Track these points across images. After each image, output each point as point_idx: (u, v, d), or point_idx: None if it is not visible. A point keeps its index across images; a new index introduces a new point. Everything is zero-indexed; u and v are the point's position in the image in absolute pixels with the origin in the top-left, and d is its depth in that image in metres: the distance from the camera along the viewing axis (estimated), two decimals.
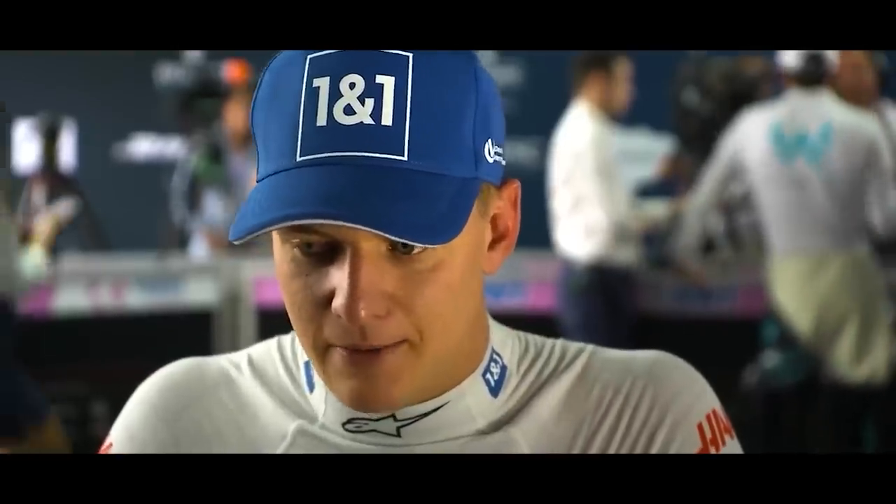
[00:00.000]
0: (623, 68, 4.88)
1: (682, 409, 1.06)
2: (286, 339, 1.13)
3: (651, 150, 5.86)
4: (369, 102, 0.95)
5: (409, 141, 0.95)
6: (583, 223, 4.80)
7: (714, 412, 1.08)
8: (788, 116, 4.23)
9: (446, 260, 0.97)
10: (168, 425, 1.10)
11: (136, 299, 5.07)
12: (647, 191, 5.70)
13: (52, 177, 5.26)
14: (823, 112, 4.19)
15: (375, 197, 0.92)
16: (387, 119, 0.95)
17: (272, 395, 1.10)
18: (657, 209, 5.17)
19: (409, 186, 0.94)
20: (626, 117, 5.12)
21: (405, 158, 0.94)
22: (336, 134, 0.94)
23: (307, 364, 1.09)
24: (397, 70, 0.96)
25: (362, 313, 0.94)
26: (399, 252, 0.95)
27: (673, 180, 5.47)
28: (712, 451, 1.06)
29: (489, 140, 1.00)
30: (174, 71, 7.05)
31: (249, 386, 1.11)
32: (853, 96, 4.40)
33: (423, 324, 0.97)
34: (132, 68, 6.83)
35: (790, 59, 4.22)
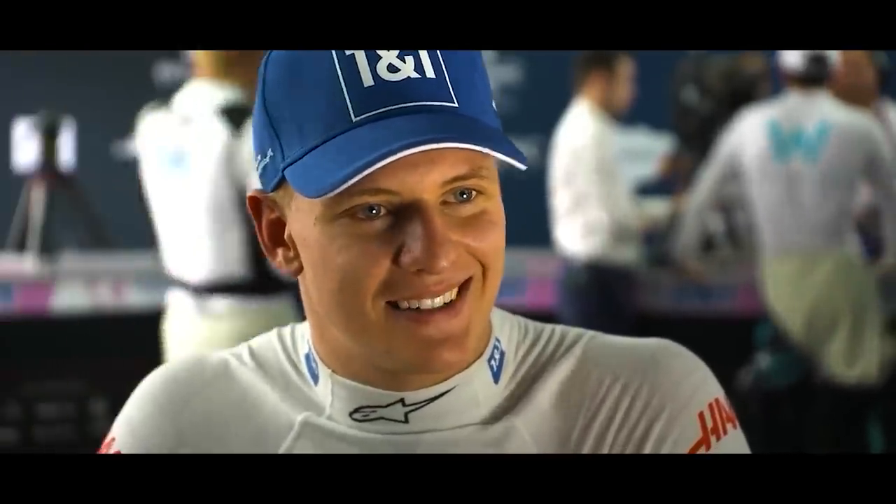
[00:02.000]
0: (625, 67, 4.88)
1: (682, 397, 1.06)
2: (285, 330, 1.14)
3: (650, 149, 5.86)
4: (409, 59, 0.98)
5: (454, 91, 0.98)
6: (583, 222, 4.80)
7: (717, 401, 1.07)
8: (785, 114, 4.24)
9: (489, 206, 1.01)
10: (171, 419, 1.11)
11: (136, 298, 5.07)
12: (646, 189, 5.70)
13: (51, 175, 5.25)
14: (820, 110, 4.20)
15: (455, 127, 0.96)
16: (430, 72, 0.98)
17: (275, 385, 1.10)
18: (657, 208, 5.17)
19: (471, 124, 0.98)
20: (626, 116, 5.12)
21: (456, 105, 0.98)
22: (387, 89, 0.97)
23: (307, 356, 1.10)
24: None
25: (443, 261, 0.96)
26: (452, 201, 0.99)
27: (672, 179, 5.47)
28: (713, 440, 1.05)
29: (493, 100, 1.04)
30: (173, 69, 7.05)
31: (252, 376, 1.11)
32: (852, 95, 4.41)
33: (485, 256, 1.00)
34: (131, 67, 6.82)
35: (791, 59, 4.22)
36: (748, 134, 4.30)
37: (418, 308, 0.99)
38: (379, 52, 0.98)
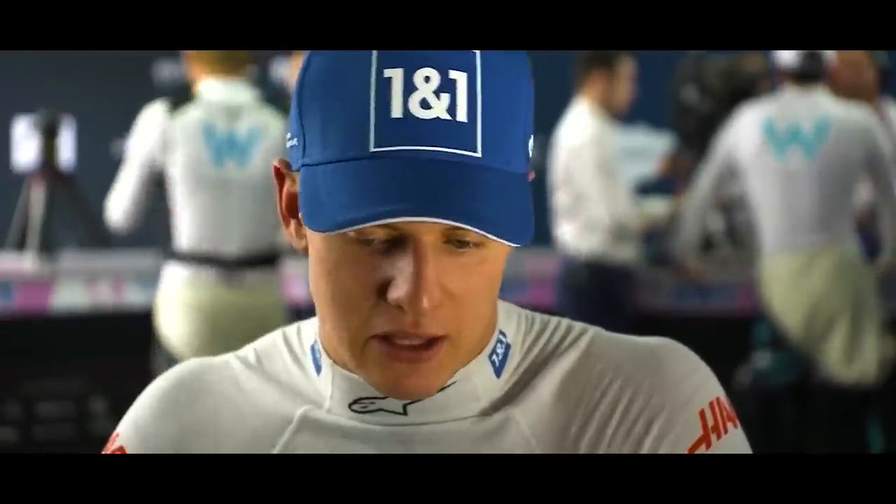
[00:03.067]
0: (626, 67, 4.88)
1: (683, 395, 1.06)
2: (291, 329, 1.15)
3: (650, 148, 5.86)
4: (444, 97, 0.96)
5: (481, 138, 0.96)
6: (583, 220, 4.80)
7: (718, 400, 1.08)
8: (781, 111, 4.24)
9: (491, 255, 1.00)
10: (175, 421, 1.12)
11: (136, 297, 5.07)
12: (646, 188, 5.70)
13: (51, 174, 5.25)
14: (817, 107, 4.20)
15: (463, 194, 0.94)
16: (461, 115, 0.96)
17: (279, 386, 1.11)
18: (657, 207, 5.17)
19: (485, 184, 0.96)
20: (626, 115, 5.12)
21: (479, 155, 0.96)
22: (413, 127, 0.95)
23: (313, 348, 1.10)
24: (468, 66, 0.97)
25: (425, 303, 0.96)
26: (453, 246, 0.98)
27: (672, 178, 5.47)
28: (713, 438, 1.06)
29: (531, 138, 1.03)
30: (173, 68, 7.05)
31: (256, 379, 1.12)
32: (852, 94, 4.41)
33: (465, 317, 1.00)
34: (131, 65, 6.82)
35: (786, 56, 4.22)
36: (743, 131, 4.31)
37: (393, 341, 0.99)
38: (416, 82, 0.96)
